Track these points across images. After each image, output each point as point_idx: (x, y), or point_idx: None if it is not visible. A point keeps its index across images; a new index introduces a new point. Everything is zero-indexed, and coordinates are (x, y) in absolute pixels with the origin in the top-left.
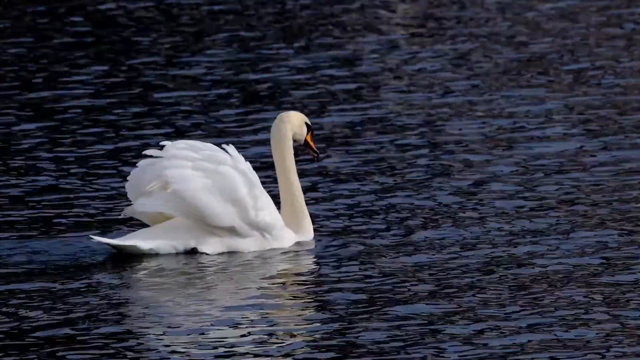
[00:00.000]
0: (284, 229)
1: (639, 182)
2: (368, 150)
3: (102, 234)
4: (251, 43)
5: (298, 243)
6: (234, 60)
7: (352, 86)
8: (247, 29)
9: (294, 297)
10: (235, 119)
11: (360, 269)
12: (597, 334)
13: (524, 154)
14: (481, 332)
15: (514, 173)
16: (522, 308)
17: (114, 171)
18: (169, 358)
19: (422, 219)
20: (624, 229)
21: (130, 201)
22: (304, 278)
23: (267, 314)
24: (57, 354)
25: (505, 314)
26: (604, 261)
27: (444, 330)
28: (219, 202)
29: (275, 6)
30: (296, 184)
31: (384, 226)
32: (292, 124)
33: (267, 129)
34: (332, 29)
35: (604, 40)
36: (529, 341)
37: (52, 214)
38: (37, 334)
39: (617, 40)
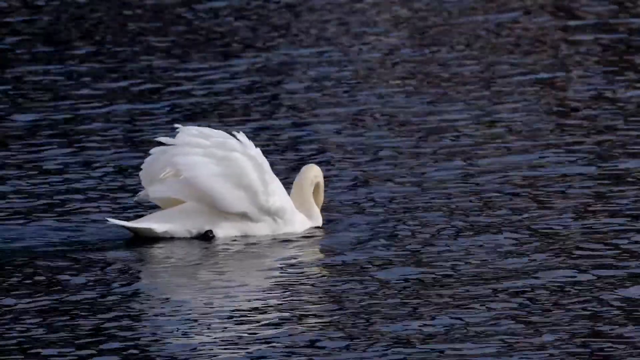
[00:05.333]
0: (295, 213)
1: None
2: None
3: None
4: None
5: (309, 228)
6: (157, 68)
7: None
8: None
9: (303, 282)
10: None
11: (371, 255)
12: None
13: (437, 158)
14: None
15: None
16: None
17: (129, 154)
18: (181, 340)
19: (416, 209)
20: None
21: (144, 187)
22: (313, 263)
23: (277, 298)
24: (69, 332)
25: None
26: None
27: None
28: (230, 189)
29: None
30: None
31: (393, 215)
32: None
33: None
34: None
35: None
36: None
37: (67, 197)
38: (51, 312)
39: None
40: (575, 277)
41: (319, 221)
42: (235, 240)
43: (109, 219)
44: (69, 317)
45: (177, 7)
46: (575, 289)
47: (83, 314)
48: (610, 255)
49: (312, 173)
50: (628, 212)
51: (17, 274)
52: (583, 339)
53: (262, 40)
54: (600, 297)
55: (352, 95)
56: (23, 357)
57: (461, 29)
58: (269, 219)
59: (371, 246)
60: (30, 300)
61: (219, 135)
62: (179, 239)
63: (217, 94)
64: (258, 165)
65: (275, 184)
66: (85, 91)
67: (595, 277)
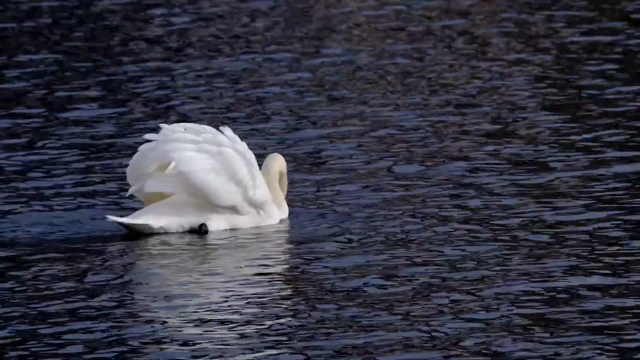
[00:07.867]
0: (272, 205)
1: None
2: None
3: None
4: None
5: (282, 220)
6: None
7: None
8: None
9: (296, 271)
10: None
11: (351, 243)
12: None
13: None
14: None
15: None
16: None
17: (121, 153)
18: (176, 336)
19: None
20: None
21: (130, 184)
22: (300, 254)
23: (270, 287)
24: (62, 329)
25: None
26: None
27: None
28: (223, 183)
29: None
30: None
31: (368, 202)
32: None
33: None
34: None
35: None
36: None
37: (60, 195)
38: (45, 306)
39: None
40: (557, 283)
41: (285, 211)
42: (224, 233)
43: (108, 216)
44: (62, 314)
45: (152, 8)
46: (559, 296)
47: (76, 311)
48: (600, 260)
49: (278, 163)
50: (604, 214)
51: (11, 271)
52: (568, 346)
53: (237, 44)
54: (583, 303)
55: (325, 97)
56: (17, 353)
57: (433, 34)
58: (254, 211)
59: (344, 236)
60: (25, 296)
61: (206, 130)
62: (174, 233)
63: (194, 96)
64: (247, 160)
65: (260, 177)
66: (76, 92)
67: (577, 285)
